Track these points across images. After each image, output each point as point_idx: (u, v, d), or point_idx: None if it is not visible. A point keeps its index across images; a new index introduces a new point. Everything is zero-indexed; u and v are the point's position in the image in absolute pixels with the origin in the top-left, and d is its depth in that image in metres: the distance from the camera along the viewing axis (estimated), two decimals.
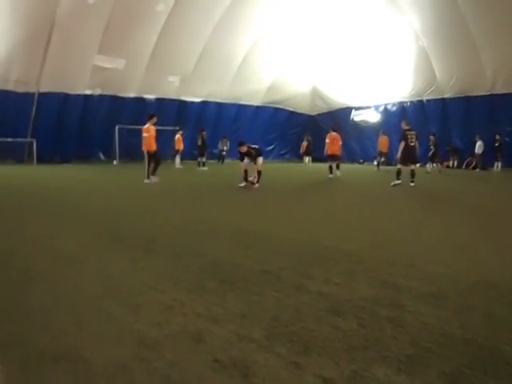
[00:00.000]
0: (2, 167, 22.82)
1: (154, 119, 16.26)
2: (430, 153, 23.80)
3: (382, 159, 26.54)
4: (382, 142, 26.13)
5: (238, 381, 2.42)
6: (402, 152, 15.16)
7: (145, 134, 15.83)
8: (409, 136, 15.03)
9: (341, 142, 19.57)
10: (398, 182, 15.20)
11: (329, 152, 19.29)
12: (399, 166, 15.49)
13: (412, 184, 14.87)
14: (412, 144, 15.05)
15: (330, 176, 18.81)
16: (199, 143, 25.59)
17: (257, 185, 13.94)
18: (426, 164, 24.52)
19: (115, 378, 2.45)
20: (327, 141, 19.47)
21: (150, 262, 4.90)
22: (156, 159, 15.95)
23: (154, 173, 15.69)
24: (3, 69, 25.10)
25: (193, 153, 31.85)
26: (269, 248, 5.61)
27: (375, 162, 29.21)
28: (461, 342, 2.89)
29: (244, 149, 14.00)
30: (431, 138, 24.01)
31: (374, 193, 13.80)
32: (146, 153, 15.88)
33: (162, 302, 3.62)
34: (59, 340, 2.91)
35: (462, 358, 2.67)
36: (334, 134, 19.50)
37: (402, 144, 15.12)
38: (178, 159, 26.48)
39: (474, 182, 18.87)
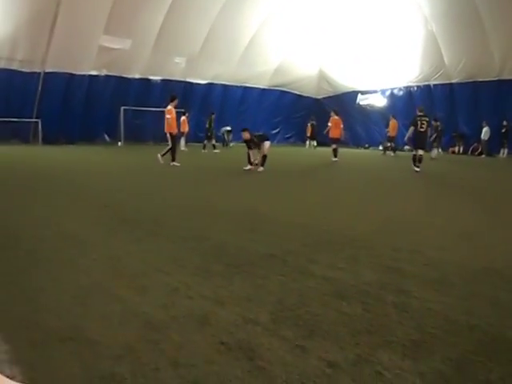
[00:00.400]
0: (7, 147, 22.84)
1: (176, 101, 16.11)
2: (432, 138, 23.56)
3: (389, 144, 26.46)
4: (392, 126, 26.12)
5: (244, 363, 2.43)
6: (413, 137, 15.41)
7: (168, 116, 15.83)
8: (419, 122, 15.12)
9: (342, 126, 19.75)
10: (418, 169, 14.99)
11: (331, 135, 19.57)
12: (414, 153, 15.38)
13: (417, 169, 14.92)
14: (422, 130, 15.16)
15: (335, 159, 18.85)
16: (207, 126, 25.50)
17: (261, 168, 13.90)
18: (430, 150, 24.36)
19: (122, 359, 2.47)
20: (329, 124, 19.94)
21: (156, 244, 4.92)
22: (172, 142, 15.86)
23: (163, 154, 15.72)
24: (9, 48, 24.97)
25: (198, 135, 31.78)
26: (274, 232, 5.62)
27: (381, 147, 29.14)
28: (465, 328, 2.90)
29: (246, 135, 14.03)
30: (433, 123, 23.71)
31: (379, 178, 13.75)
32: (169, 135, 15.82)
33: (168, 284, 3.64)
34: (66, 321, 2.93)
35: (466, 344, 2.68)
36: (336, 117, 19.68)
37: (411, 129, 15.34)
38: (182, 141, 26.43)
39: (479, 168, 18.78)
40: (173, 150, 15.61)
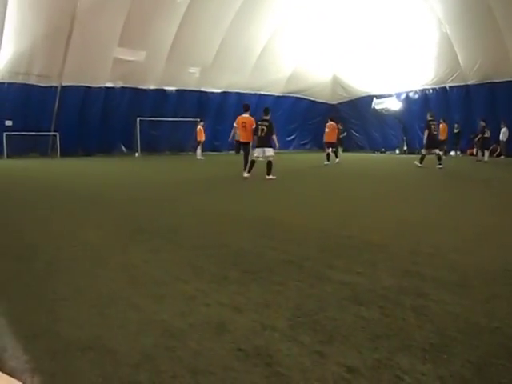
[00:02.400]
0: (26, 161, 23.18)
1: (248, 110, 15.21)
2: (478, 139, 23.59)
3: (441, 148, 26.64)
4: (442, 129, 26.09)
5: (262, 370, 2.43)
6: (427, 139, 17.59)
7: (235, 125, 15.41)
8: (432, 126, 17.43)
9: (337, 130, 21.58)
10: (421, 165, 17.60)
11: (326, 139, 20.95)
12: (424, 153, 17.95)
13: (440, 166, 16.74)
14: (435, 133, 17.68)
15: (327, 163, 20.03)
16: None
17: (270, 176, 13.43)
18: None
19: (140, 366, 2.48)
20: (326, 130, 21.16)
21: (173, 252, 4.94)
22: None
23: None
24: (26, 63, 25.44)
25: (214, 144, 31.94)
26: (291, 238, 5.61)
27: (397, 151, 29.03)
28: (486, 331, 2.86)
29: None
30: (482, 123, 23.44)
31: (395, 181, 13.67)
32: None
33: (185, 292, 3.65)
34: (85, 330, 2.96)
35: (487, 347, 2.64)
36: (332, 123, 21.24)
37: (426, 132, 17.59)
38: (199, 150, 26.59)
39: (499, 169, 18.55)
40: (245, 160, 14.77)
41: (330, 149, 20.79)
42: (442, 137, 26.30)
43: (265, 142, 13.76)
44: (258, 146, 13.85)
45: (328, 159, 20.38)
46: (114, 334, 2.89)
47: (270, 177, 13.41)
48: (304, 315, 3.15)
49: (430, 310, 3.21)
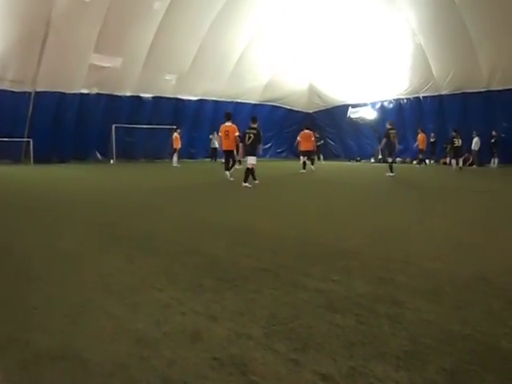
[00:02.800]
0: None
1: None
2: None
3: (420, 156, 27.64)
4: (421, 139, 26.92)
5: (237, 378, 2.41)
6: (388, 147, 18.50)
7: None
8: (391, 134, 18.22)
9: (313, 139, 21.73)
10: (392, 174, 17.79)
11: (302, 148, 21.25)
12: (390, 160, 18.47)
13: (392, 174, 17.68)
14: (393, 141, 18.35)
15: (303, 171, 20.16)
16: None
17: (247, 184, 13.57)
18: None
19: (113, 376, 2.44)
20: (299, 138, 21.74)
21: (148, 260, 4.89)
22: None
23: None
24: None
25: (190, 151, 31.85)
26: (266, 246, 5.60)
27: (372, 160, 29.47)
28: (459, 338, 2.89)
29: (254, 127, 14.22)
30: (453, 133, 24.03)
31: (370, 190, 13.80)
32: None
33: (160, 300, 3.62)
34: (57, 340, 2.90)
35: (460, 354, 2.67)
36: (306, 131, 21.55)
37: (384, 140, 18.58)
38: (175, 158, 26.49)
39: (471, 178, 18.88)
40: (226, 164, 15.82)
41: (305, 157, 21.20)
42: (421, 146, 27.08)
43: (250, 151, 14.10)
44: (250, 154, 14.14)
45: (304, 167, 20.65)
46: (87, 343, 2.84)
47: (246, 184, 13.45)
48: (279, 323, 3.15)
49: (405, 317, 3.24)
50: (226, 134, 15.26)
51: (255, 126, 14.32)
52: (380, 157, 28.75)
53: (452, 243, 5.79)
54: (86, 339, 2.91)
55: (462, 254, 5.23)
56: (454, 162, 22.93)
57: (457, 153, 23.30)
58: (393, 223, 7.48)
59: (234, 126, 15.34)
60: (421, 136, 27.33)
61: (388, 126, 18.65)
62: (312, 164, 21.33)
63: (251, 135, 13.98)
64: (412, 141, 28.76)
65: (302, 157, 21.43)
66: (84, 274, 4.43)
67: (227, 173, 15.63)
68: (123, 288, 3.95)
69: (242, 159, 19.44)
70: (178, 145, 26.73)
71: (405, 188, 14.36)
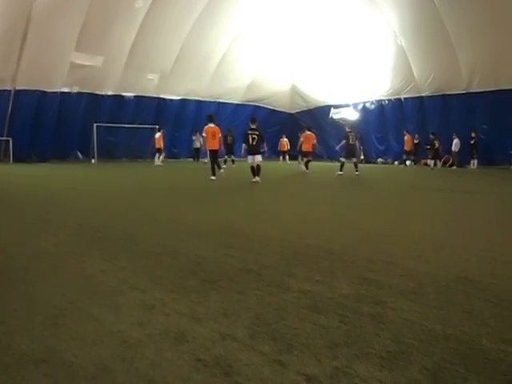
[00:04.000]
0: None
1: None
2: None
3: (405, 157, 28.30)
4: (407, 141, 27.30)
5: (221, 380, 2.40)
6: (345, 149, 19.58)
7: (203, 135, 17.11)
8: (350, 136, 19.38)
9: (315, 141, 22.18)
10: (341, 172, 18.85)
11: (303, 149, 21.69)
12: (343, 160, 19.53)
13: (357, 173, 18.72)
14: (352, 143, 19.51)
15: (307, 171, 20.75)
16: (229, 141, 24.32)
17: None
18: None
19: (96, 379, 2.42)
20: (302, 139, 22.08)
21: (131, 261, 4.86)
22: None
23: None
24: None
25: (172, 151, 31.73)
26: (250, 247, 5.60)
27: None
28: (441, 338, 2.92)
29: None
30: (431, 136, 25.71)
31: (352, 191, 13.89)
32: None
33: (143, 301, 3.59)
34: (39, 343, 2.86)
35: (442, 353, 2.70)
36: (308, 132, 22.07)
37: (343, 142, 19.59)
38: (157, 157, 26.37)
39: (451, 179, 19.11)
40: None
41: (308, 157, 21.70)
42: (406, 148, 27.53)
43: (256, 150, 15.34)
44: (250, 154, 15.38)
45: (307, 167, 21.22)
46: (69, 346, 2.81)
47: (257, 179, 14.92)
48: (263, 324, 3.15)
49: (388, 317, 3.26)
50: (212, 135, 16.14)
51: (255, 126, 15.46)
52: (362, 157, 29.06)
53: (434, 243, 5.85)
54: (69, 341, 2.88)
55: (443, 254, 5.29)
56: (435, 163, 23.57)
57: (435, 154, 24.90)
58: (376, 225, 7.54)
59: (218, 127, 16.50)
60: (407, 137, 27.68)
61: (347, 129, 20.07)
62: (306, 166, 21.42)
63: (254, 136, 15.24)
64: (393, 142, 29.05)
65: (304, 158, 21.99)
66: (66, 275, 4.38)
67: (221, 171, 16.74)
68: (106, 289, 3.91)
69: (232, 158, 23.35)
70: (160, 144, 26.60)
71: (387, 188, 14.47)
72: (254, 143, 15.25)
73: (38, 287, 3.99)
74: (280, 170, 20.81)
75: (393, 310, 3.41)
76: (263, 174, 15.46)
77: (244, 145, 15.72)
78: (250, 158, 15.44)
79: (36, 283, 4.12)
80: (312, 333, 3.00)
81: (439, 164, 24.22)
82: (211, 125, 16.30)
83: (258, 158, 15.25)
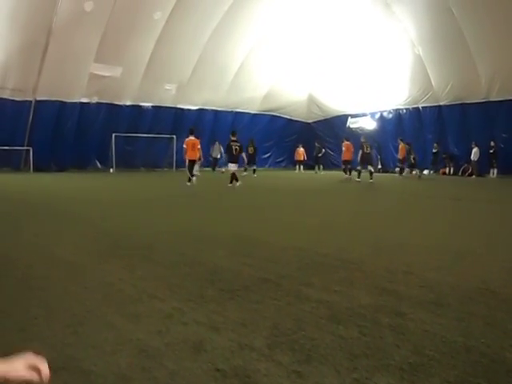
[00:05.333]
0: None
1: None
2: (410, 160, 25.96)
3: (399, 165, 27.77)
4: (402, 150, 27.06)
5: None
6: (361, 158, 20.75)
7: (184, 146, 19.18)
8: (364, 146, 20.79)
9: (353, 149, 23.31)
10: (359, 180, 20.19)
11: (344, 158, 23.63)
12: (359, 169, 20.88)
13: (371, 180, 19.72)
14: (368, 152, 20.92)
15: (358, 180, 21.01)
16: (250, 151, 25.40)
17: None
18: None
19: None
20: (343, 149, 23.84)
21: (149, 270, 4.87)
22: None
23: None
24: (0, 77, 25.08)
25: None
26: (268, 256, 5.59)
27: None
28: (463, 350, 2.88)
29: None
30: (406, 146, 26.16)
31: (372, 200, 13.80)
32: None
33: (161, 310, 3.60)
34: (58, 350, 2.88)
35: (464, 366, 2.65)
36: (347, 142, 23.63)
37: (360, 152, 20.81)
38: (196, 167, 25.98)
39: (471, 188, 18.90)
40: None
41: (348, 166, 23.60)
42: (400, 156, 27.24)
43: (235, 159, 17.24)
44: (233, 162, 17.12)
45: (350, 173, 23.22)
46: (89, 354, 2.82)
47: (239, 183, 16.55)
48: (282, 334, 3.13)
49: (408, 328, 3.22)
50: (192, 146, 18.02)
51: (235, 138, 17.56)
52: (379, 166, 29.02)
53: (454, 254, 5.77)
54: (88, 350, 2.89)
55: (464, 264, 5.22)
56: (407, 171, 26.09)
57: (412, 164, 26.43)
58: (394, 233, 7.47)
59: (197, 139, 18.58)
60: (401, 146, 27.15)
61: (362, 140, 21.62)
62: (350, 173, 23.02)
63: (237, 147, 17.25)
64: (412, 151, 28.83)
65: (344, 166, 23.96)
66: (85, 283, 4.41)
67: (194, 179, 17.86)
68: (124, 298, 3.93)
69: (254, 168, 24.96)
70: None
71: (405, 198, 14.34)
72: (237, 154, 17.24)
73: (58, 295, 4.03)
74: (296, 180, 20.73)
75: (413, 321, 3.36)
76: (282, 182, 15.42)
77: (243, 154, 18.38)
78: (232, 165, 17.05)
79: (55, 291, 4.15)
80: (331, 344, 2.98)
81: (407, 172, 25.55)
82: (191, 137, 18.17)
83: (233, 166, 16.96)
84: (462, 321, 3.38)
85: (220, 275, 4.63)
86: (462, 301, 3.85)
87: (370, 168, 20.69)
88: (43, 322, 3.38)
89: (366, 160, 20.96)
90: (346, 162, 23.76)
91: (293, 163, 34.46)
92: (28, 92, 26.01)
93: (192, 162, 18.27)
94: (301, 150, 32.92)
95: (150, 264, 5.13)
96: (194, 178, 18.07)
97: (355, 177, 21.35)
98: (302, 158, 32.76)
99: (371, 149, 21.37)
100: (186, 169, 18.64)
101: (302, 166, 32.54)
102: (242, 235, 7.14)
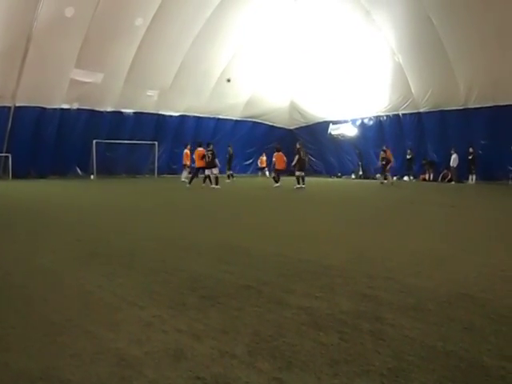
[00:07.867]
0: None
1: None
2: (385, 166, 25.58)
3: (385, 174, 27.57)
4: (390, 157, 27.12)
5: None
6: (299, 163, 21.42)
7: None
8: (301, 152, 21.83)
9: (285, 158, 23.48)
10: (300, 186, 20.73)
11: (277, 167, 23.52)
12: (298, 174, 21.32)
13: (303, 186, 20.67)
14: (304, 158, 22.20)
15: (298, 186, 21.36)
16: (228, 157, 27.51)
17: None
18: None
19: None
20: (274, 159, 24.03)
21: (129, 277, 4.84)
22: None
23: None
24: None
25: (171, 167, 31.77)
26: (249, 263, 5.58)
27: (353, 175, 29.88)
28: (442, 355, 2.90)
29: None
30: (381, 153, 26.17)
31: (351, 206, 13.88)
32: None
33: (141, 318, 3.57)
34: (36, 360, 2.84)
35: (443, 371, 2.68)
36: (279, 153, 23.66)
37: (297, 157, 21.53)
38: (184, 173, 25.89)
39: (450, 194, 19.12)
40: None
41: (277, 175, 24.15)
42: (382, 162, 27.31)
43: (212, 165, 20.79)
44: (207, 168, 20.97)
45: (277, 181, 23.32)
46: (67, 364, 2.78)
47: (218, 186, 19.99)
48: (263, 341, 3.13)
49: (388, 334, 3.24)
50: (201, 156, 21.26)
51: (210, 148, 21.03)
52: (360, 173, 29.17)
53: (434, 260, 5.83)
54: (66, 359, 2.85)
55: (443, 270, 5.27)
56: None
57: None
58: (376, 241, 7.51)
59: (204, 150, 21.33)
60: (388, 153, 27.23)
61: (298, 146, 22.34)
62: (277, 181, 22.59)
63: (210, 155, 20.77)
64: (394, 157, 29.06)
65: (276, 175, 24.28)
66: (64, 291, 4.36)
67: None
68: (104, 306, 3.89)
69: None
70: (187, 160, 26.03)
71: (387, 204, 14.46)
72: (209, 160, 20.70)
73: (36, 304, 3.97)
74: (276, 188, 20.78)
75: (393, 326, 3.39)
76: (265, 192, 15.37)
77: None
78: (207, 171, 20.99)
79: (34, 300, 4.09)
80: (312, 350, 2.98)
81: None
82: (200, 148, 21.68)
83: (215, 170, 20.85)
84: (441, 326, 3.42)
85: (201, 282, 4.61)
86: (441, 306, 3.89)
87: (303, 174, 21.57)
88: (21, 332, 3.33)
89: (303, 166, 21.95)
90: (277, 171, 23.46)
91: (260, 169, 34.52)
92: (7, 98, 25.70)
93: (199, 170, 21.70)
94: (263, 158, 33.15)
95: (130, 271, 5.09)
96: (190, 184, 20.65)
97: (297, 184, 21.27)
98: (264, 165, 33.08)
99: (306, 155, 23.43)
100: (193, 175, 22.26)
101: (266, 172, 32.77)
102: (222, 242, 7.12)
